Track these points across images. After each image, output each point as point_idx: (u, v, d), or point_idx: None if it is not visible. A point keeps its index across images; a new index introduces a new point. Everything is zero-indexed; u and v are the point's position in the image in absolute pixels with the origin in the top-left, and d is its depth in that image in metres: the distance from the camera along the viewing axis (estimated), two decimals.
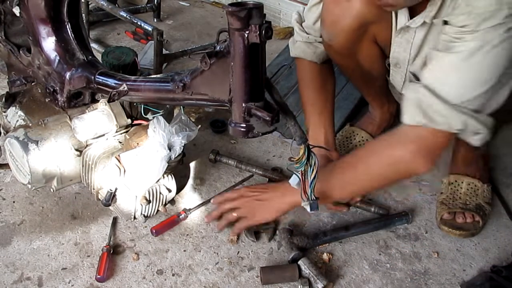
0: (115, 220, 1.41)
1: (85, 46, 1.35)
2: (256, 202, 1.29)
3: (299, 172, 1.05)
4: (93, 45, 2.20)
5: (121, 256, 1.32)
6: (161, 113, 1.38)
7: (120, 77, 1.26)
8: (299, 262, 1.29)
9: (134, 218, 1.38)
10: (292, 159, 1.03)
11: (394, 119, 1.70)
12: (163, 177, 1.34)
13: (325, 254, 1.33)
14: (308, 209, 1.09)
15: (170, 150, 1.29)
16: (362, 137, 1.64)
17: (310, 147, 1.00)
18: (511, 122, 1.34)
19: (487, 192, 1.47)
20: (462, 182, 1.47)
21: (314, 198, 1.07)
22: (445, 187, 1.49)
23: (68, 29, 1.31)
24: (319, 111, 1.44)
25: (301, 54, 1.46)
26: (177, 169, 1.37)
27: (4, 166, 1.44)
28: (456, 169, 1.51)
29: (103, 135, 1.35)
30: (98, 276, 1.24)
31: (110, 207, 1.34)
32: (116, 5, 2.45)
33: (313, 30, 1.40)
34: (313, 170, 1.01)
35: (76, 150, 1.33)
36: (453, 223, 1.42)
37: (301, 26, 1.44)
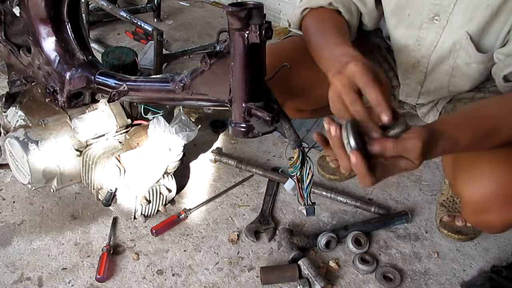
0: (115, 220, 1.41)
1: (85, 46, 1.35)
2: None
3: (294, 176, 1.03)
4: (93, 45, 2.20)
5: (121, 256, 1.32)
6: (161, 113, 1.38)
7: (120, 77, 1.26)
8: (299, 262, 1.29)
9: (134, 218, 1.38)
10: (291, 158, 1.02)
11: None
12: (163, 177, 1.34)
13: (331, 261, 1.33)
14: (305, 213, 1.08)
15: (170, 150, 1.29)
16: None
17: (305, 151, 0.99)
18: None
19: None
20: None
21: (311, 203, 1.06)
22: (446, 188, 1.49)
23: (68, 29, 1.31)
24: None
25: (319, 1, 1.15)
26: (177, 169, 1.37)
27: (4, 166, 1.44)
28: None
29: (103, 135, 1.35)
30: (98, 276, 1.24)
31: (110, 207, 1.34)
32: (116, 5, 2.45)
33: None
34: (308, 174, 1.00)
35: (76, 150, 1.33)
36: (452, 226, 1.42)
37: None
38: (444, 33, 1.12)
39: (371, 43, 1.34)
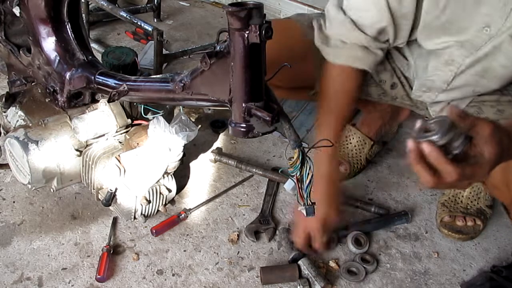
0: (115, 220, 1.41)
1: (85, 46, 1.35)
2: None
3: (294, 176, 1.03)
4: (93, 45, 2.20)
5: (121, 256, 1.32)
6: (161, 113, 1.38)
7: (120, 77, 1.26)
8: (299, 262, 1.29)
9: (134, 218, 1.38)
10: (291, 158, 1.02)
11: (391, 121, 1.69)
12: (163, 177, 1.34)
13: (331, 261, 1.33)
14: (304, 214, 1.08)
15: (170, 150, 1.29)
16: (359, 137, 1.64)
17: (305, 151, 0.99)
18: None
19: (489, 194, 1.46)
20: None
21: (311, 203, 1.06)
22: None
23: (68, 29, 1.31)
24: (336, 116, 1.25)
25: (353, 61, 1.22)
26: (177, 169, 1.37)
27: (4, 166, 1.44)
28: None
29: (103, 135, 1.35)
30: (98, 276, 1.24)
31: (110, 207, 1.34)
32: (116, 5, 2.45)
33: (371, 29, 1.19)
34: (308, 174, 1.00)
35: (76, 150, 1.33)
36: (453, 226, 1.42)
37: (353, 22, 1.19)
38: (490, 40, 1.12)
39: None
